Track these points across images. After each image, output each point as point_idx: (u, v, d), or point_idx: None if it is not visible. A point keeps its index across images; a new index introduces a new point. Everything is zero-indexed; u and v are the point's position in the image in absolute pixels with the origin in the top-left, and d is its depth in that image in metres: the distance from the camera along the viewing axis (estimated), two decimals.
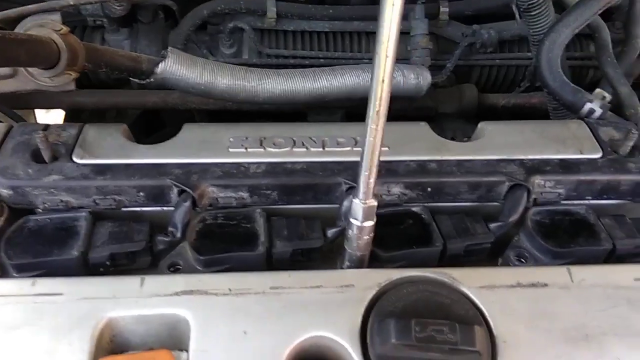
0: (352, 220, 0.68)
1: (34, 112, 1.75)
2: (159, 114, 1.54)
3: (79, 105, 1.22)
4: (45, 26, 0.84)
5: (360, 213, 0.66)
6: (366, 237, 0.69)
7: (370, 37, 1.22)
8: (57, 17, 0.97)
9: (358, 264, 0.72)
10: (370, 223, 0.67)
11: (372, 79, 0.56)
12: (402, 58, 1.20)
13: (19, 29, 0.92)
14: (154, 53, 1.21)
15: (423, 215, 0.80)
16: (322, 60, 1.20)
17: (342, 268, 0.74)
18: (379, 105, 0.57)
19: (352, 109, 1.24)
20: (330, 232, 0.78)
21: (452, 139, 1.16)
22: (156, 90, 1.16)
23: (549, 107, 1.16)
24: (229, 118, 1.25)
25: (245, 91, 1.00)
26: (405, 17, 1.21)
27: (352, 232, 0.69)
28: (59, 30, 0.81)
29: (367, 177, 0.63)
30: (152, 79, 0.93)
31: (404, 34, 1.21)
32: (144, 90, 1.17)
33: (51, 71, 0.82)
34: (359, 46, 1.22)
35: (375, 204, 0.66)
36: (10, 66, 0.86)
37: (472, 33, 1.21)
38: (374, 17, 1.18)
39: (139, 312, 0.65)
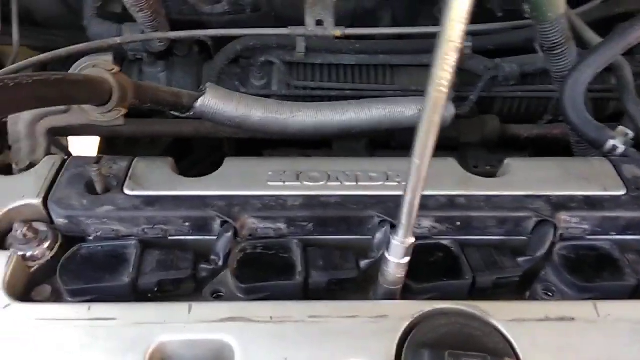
0: (389, 257, 0.71)
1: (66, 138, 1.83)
2: (190, 141, 1.61)
3: (117, 134, 1.29)
4: (98, 66, 0.90)
5: (399, 252, 0.70)
6: (401, 274, 0.72)
7: (395, 69, 1.27)
8: (109, 57, 1.04)
9: (391, 295, 0.76)
10: (406, 260, 0.71)
11: (422, 117, 0.59)
12: (424, 90, 1.24)
13: (74, 69, 1.00)
14: (188, 85, 1.28)
15: (452, 249, 0.84)
16: (347, 91, 1.26)
17: (375, 299, 0.78)
18: (424, 144, 0.60)
19: (376, 137, 1.29)
20: (363, 263, 0.82)
21: (475, 167, 1.20)
22: (190, 119, 1.22)
23: (571, 141, 1.19)
24: (257, 146, 1.31)
25: (277, 124, 1.06)
26: (429, 51, 1.26)
27: (387, 268, 0.72)
28: (111, 70, 0.88)
29: (409, 217, 0.66)
30: (191, 112, 0.99)
31: (428, 67, 1.26)
32: (178, 120, 1.24)
33: (103, 108, 0.88)
34: (384, 78, 1.27)
35: (413, 241, 0.69)
36: (68, 104, 0.92)
37: (494, 66, 1.25)
38: (398, 51, 1.25)
39: (186, 336, 0.70)
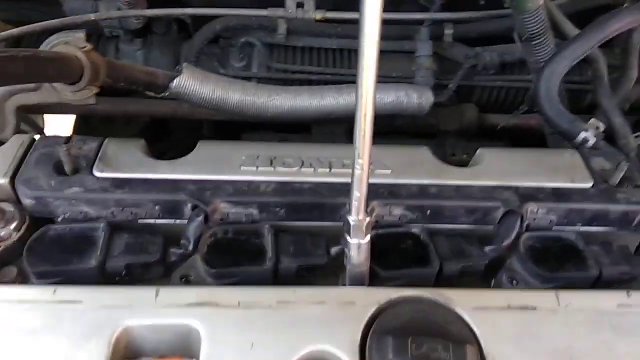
0: (349, 239, 0.72)
1: (42, 116, 1.79)
2: (167, 121, 1.59)
3: (90, 112, 1.26)
4: (70, 43, 0.88)
5: (357, 231, 0.70)
6: (363, 255, 0.73)
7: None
8: (81, 34, 1.01)
9: (358, 281, 0.77)
10: (366, 240, 0.71)
11: (356, 99, 0.60)
12: (406, 77, 1.25)
13: (45, 45, 0.96)
14: (166, 64, 1.26)
15: (421, 237, 0.84)
16: (328, 76, 1.25)
17: (343, 285, 0.78)
18: (363, 123, 0.61)
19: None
20: (334, 250, 0.83)
21: (453, 155, 1.21)
22: (167, 100, 1.20)
23: (545, 132, 1.21)
24: (236, 128, 1.30)
25: (255, 107, 1.05)
26: (411, 37, 1.26)
27: (351, 251, 0.73)
28: (83, 48, 0.86)
29: (357, 194, 0.67)
30: (167, 93, 0.97)
31: (409, 53, 1.26)
32: (155, 100, 1.21)
33: (74, 86, 0.86)
34: None
35: (368, 220, 0.69)
36: (37, 82, 0.90)
37: (474, 55, 1.25)
38: (380, 37, 1.24)
39: (153, 321, 0.70)
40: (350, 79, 1.21)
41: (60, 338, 0.68)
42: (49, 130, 1.42)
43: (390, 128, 1.31)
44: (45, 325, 0.68)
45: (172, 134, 1.60)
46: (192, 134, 1.53)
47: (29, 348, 0.67)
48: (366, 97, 0.59)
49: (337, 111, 1.11)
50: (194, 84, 0.98)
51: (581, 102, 1.35)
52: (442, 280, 0.81)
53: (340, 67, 1.26)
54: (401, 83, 1.21)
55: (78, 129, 1.52)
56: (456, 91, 1.27)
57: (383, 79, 1.23)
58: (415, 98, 1.17)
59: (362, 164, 0.63)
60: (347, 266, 0.75)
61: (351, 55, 1.27)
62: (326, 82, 1.20)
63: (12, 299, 0.70)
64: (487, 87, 1.32)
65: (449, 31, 1.25)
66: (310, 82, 1.23)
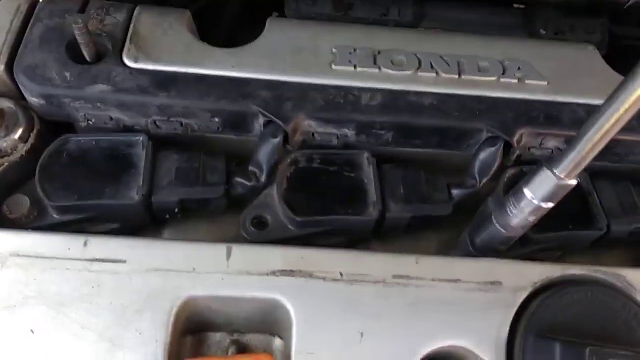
0: (527, 192, 0.49)
1: None
2: None
3: None
4: None
5: (548, 191, 0.48)
6: (533, 221, 0.51)
7: None
8: None
9: (498, 246, 0.56)
10: (551, 205, 0.49)
11: None
12: None
13: None
14: None
15: (581, 182, 0.61)
16: None
17: (473, 247, 0.57)
18: None
19: None
20: (457, 193, 0.60)
21: (543, 31, 0.91)
22: None
23: None
24: None
25: None
26: None
27: (516, 209, 0.50)
28: None
29: (587, 151, 0.44)
30: None
31: None
32: None
33: None
34: None
35: (574, 184, 0.47)
36: None
37: None
38: None
39: (226, 292, 0.50)
40: None
41: (99, 313, 0.49)
42: None
43: None
44: (76, 294, 0.49)
45: None
46: None
47: (58, 325, 0.48)
48: None
49: None
50: None
51: None
52: (604, 245, 0.60)
53: None
54: None
55: None
56: None
57: None
58: None
59: (627, 108, 0.38)
60: (494, 223, 0.53)
61: None
62: None
63: (30, 253, 0.50)
64: None
65: None
66: None
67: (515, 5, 1.00)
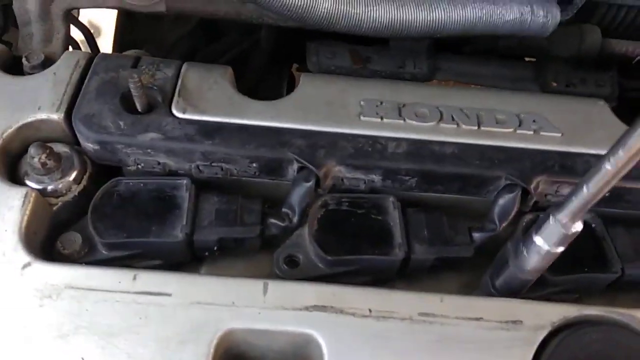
0: (537, 239, 0.53)
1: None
2: (217, 22, 1.34)
3: None
4: None
5: (556, 237, 0.51)
6: (545, 265, 0.55)
7: None
8: None
9: (516, 289, 0.59)
10: (560, 250, 0.53)
11: None
12: None
13: None
14: None
15: (595, 227, 0.65)
16: None
17: (494, 287, 0.61)
18: None
19: (444, 38, 1.04)
20: (478, 237, 0.64)
21: (554, 82, 0.96)
22: None
23: None
24: (298, 36, 1.06)
25: (347, 18, 0.82)
26: None
27: (528, 254, 0.54)
28: None
29: (588, 198, 0.47)
30: None
31: None
32: None
33: None
34: None
35: (579, 229, 0.50)
36: None
37: None
38: None
39: (263, 326, 0.54)
40: None
41: (145, 343, 0.52)
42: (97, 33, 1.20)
43: (491, 49, 1.06)
44: (125, 325, 0.53)
45: (224, 37, 1.38)
46: (246, 38, 1.31)
47: (106, 353, 0.52)
48: None
49: (448, 29, 0.87)
50: None
51: None
52: (621, 287, 0.63)
53: None
54: None
55: (121, 25, 1.30)
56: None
57: None
58: (541, 16, 0.91)
59: (627, 160, 0.42)
60: (510, 267, 0.57)
61: None
62: None
63: (82, 285, 0.55)
64: (614, 5, 1.02)
65: None
66: None
67: (527, 59, 1.07)
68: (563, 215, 0.50)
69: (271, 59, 1.12)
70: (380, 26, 0.84)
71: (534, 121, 0.68)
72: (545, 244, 0.52)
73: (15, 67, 0.70)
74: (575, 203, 0.48)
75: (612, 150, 0.44)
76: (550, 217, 0.51)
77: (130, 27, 1.29)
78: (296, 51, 0.91)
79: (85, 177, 0.65)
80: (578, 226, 0.51)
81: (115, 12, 1.29)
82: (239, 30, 1.34)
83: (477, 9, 0.85)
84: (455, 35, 0.89)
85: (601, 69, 1.07)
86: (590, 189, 0.47)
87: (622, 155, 0.43)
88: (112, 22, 1.31)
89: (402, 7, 0.83)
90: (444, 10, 0.85)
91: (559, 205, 0.50)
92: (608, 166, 0.44)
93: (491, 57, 1.07)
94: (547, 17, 0.90)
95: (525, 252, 0.55)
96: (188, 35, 1.25)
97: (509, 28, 0.92)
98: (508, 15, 0.90)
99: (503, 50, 1.07)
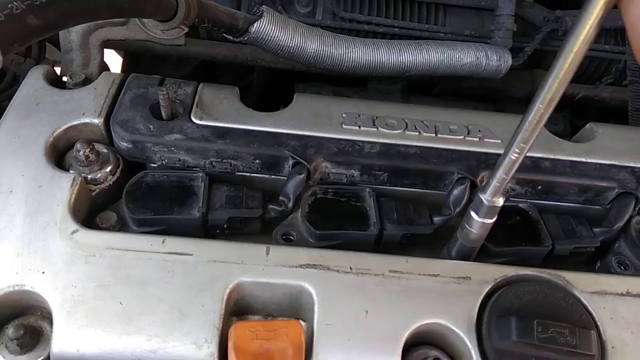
0: (472, 213, 0.68)
1: None
2: (216, 65, 1.51)
3: (147, 49, 1.19)
4: None
5: (484, 210, 0.67)
6: (483, 234, 0.70)
7: (447, 10, 1.18)
8: None
9: (466, 256, 0.73)
10: (490, 221, 0.68)
11: (546, 79, 0.54)
12: (478, 35, 1.17)
13: None
14: (227, 4, 1.18)
15: (531, 213, 0.81)
16: (396, 29, 1.17)
17: (449, 257, 0.75)
18: (545, 106, 0.56)
19: (416, 82, 1.22)
20: (437, 220, 0.79)
21: None
22: (227, 43, 1.12)
23: (630, 107, 1.14)
24: (289, 78, 1.23)
25: (332, 59, 0.99)
26: None
27: (469, 226, 0.69)
28: None
29: (504, 177, 0.63)
30: (245, 37, 0.91)
31: (479, 10, 1.18)
32: (215, 42, 1.15)
33: (166, 24, 0.81)
34: (436, 19, 1.19)
35: (501, 203, 0.66)
36: (137, 17, 0.85)
37: (554, 19, 1.17)
38: None
39: (265, 279, 0.67)
40: (420, 35, 1.13)
41: (172, 290, 0.65)
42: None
43: (456, 90, 1.25)
44: (156, 276, 0.66)
45: (220, 78, 1.55)
46: (240, 80, 1.48)
47: (140, 299, 0.65)
48: (562, 79, 0.53)
49: (414, 69, 1.05)
50: (273, 29, 0.91)
51: None
52: (550, 261, 0.78)
53: (410, 21, 1.17)
54: (479, 43, 1.14)
55: (127, 67, 1.46)
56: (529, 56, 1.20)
57: (454, 36, 1.15)
58: (494, 60, 1.10)
59: (522, 148, 0.58)
60: (458, 239, 0.72)
61: (421, 9, 1.18)
62: (393, 36, 1.13)
63: (120, 247, 0.68)
64: None
65: None
66: (375, 35, 1.16)
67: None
68: (488, 194, 0.66)
69: (261, 99, 1.29)
70: (358, 65, 1.01)
71: (479, 131, 0.85)
72: (478, 216, 0.68)
73: (59, 85, 0.86)
74: (495, 183, 0.64)
75: (512, 140, 0.60)
76: (479, 196, 0.67)
77: (135, 69, 1.46)
78: (284, 92, 1.08)
79: (119, 170, 0.79)
80: (500, 201, 0.66)
81: (121, 55, 1.46)
82: (235, 73, 1.52)
83: (439, 53, 1.03)
84: (421, 75, 1.07)
85: (555, 109, 1.26)
86: (503, 173, 0.63)
87: (521, 144, 0.59)
88: (119, 64, 1.48)
89: (376, 50, 1.02)
90: (411, 54, 1.03)
91: (484, 187, 0.66)
92: (512, 155, 0.60)
93: (456, 98, 1.26)
94: (500, 61, 1.09)
95: (467, 226, 0.70)
96: (188, 77, 1.43)
97: (467, 69, 1.11)
98: (466, 58, 1.08)
99: (466, 91, 1.26)
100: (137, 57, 1.46)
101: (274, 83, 1.31)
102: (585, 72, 1.26)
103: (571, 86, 1.26)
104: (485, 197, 0.66)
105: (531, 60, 1.25)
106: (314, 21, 1.14)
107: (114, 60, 1.49)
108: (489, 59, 1.09)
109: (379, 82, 1.22)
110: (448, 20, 1.18)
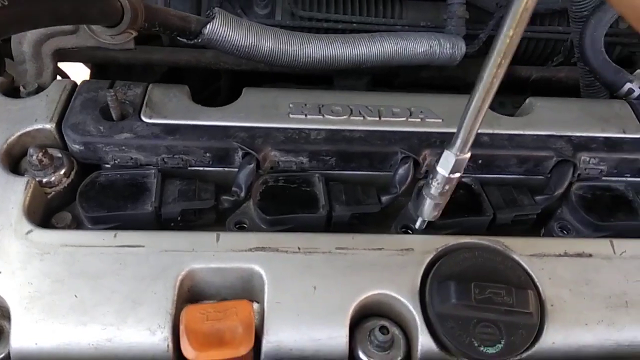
0: (439, 169, 0.67)
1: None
2: (182, 71, 1.54)
3: (111, 60, 1.22)
4: None
5: (451, 165, 0.66)
6: (450, 190, 0.70)
7: (404, 3, 1.22)
8: None
9: (431, 212, 0.74)
10: (457, 175, 0.67)
11: (502, 27, 0.54)
12: (433, 26, 1.21)
13: None
14: (187, 10, 1.21)
15: (473, 186, 0.84)
16: (354, 25, 1.21)
17: (397, 232, 0.79)
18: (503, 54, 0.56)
19: (379, 75, 1.25)
20: (385, 199, 0.82)
21: None
22: (189, 49, 1.15)
23: (581, 84, 1.19)
24: (255, 79, 1.26)
25: (287, 55, 1.02)
26: None
27: (437, 183, 0.69)
28: None
29: (469, 130, 0.62)
30: (199, 40, 0.94)
31: (435, 1, 1.22)
32: (177, 48, 1.18)
33: (114, 29, 0.83)
34: (392, 12, 1.23)
35: (468, 157, 0.66)
36: (81, 23, 0.87)
37: (506, 4, 1.21)
38: None
39: (216, 265, 0.70)
40: (378, 29, 1.17)
41: (125, 281, 0.68)
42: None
43: (416, 80, 1.29)
44: (109, 269, 0.69)
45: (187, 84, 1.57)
46: (208, 85, 1.50)
47: (94, 291, 0.67)
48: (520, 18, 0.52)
49: (370, 61, 1.08)
50: (226, 30, 0.94)
51: (611, 55, 1.32)
52: (495, 229, 0.81)
53: (367, 16, 1.21)
54: (432, 32, 1.17)
55: (94, 76, 1.48)
56: (484, 42, 1.24)
57: (411, 28, 1.19)
58: (448, 48, 1.14)
59: (482, 99, 0.59)
60: (426, 198, 0.72)
61: (378, 4, 1.22)
62: (352, 32, 1.17)
63: (74, 244, 0.70)
64: None
65: None
66: (335, 31, 1.19)
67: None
68: (455, 149, 0.65)
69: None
70: (314, 61, 1.05)
71: (421, 112, 0.88)
72: (445, 171, 0.67)
73: (14, 94, 0.88)
74: (461, 137, 0.64)
75: (473, 93, 0.61)
76: (445, 152, 0.67)
77: (103, 78, 1.48)
78: None
79: (73, 172, 0.82)
80: (466, 155, 0.65)
81: (89, 67, 1.48)
82: (202, 79, 1.55)
83: (392, 44, 1.07)
84: (377, 66, 1.11)
85: (518, 93, 1.30)
86: (466, 128, 0.63)
87: (477, 103, 0.61)
88: (87, 74, 1.50)
89: (330, 44, 1.05)
90: (365, 46, 1.07)
91: (449, 144, 0.66)
92: (470, 109, 0.62)
93: (417, 88, 1.30)
94: (453, 49, 1.13)
95: (431, 181, 0.69)
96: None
97: (421, 58, 1.14)
98: (419, 48, 1.12)
99: (426, 80, 1.30)
100: (103, 69, 1.49)
101: (241, 86, 1.35)
102: (533, 53, 1.31)
103: (524, 68, 1.31)
104: (452, 152, 0.65)
105: (487, 46, 1.28)
106: (273, 22, 1.18)
107: (83, 74, 1.52)
108: (442, 47, 1.12)
109: (344, 79, 1.26)
110: (404, 13, 1.22)
